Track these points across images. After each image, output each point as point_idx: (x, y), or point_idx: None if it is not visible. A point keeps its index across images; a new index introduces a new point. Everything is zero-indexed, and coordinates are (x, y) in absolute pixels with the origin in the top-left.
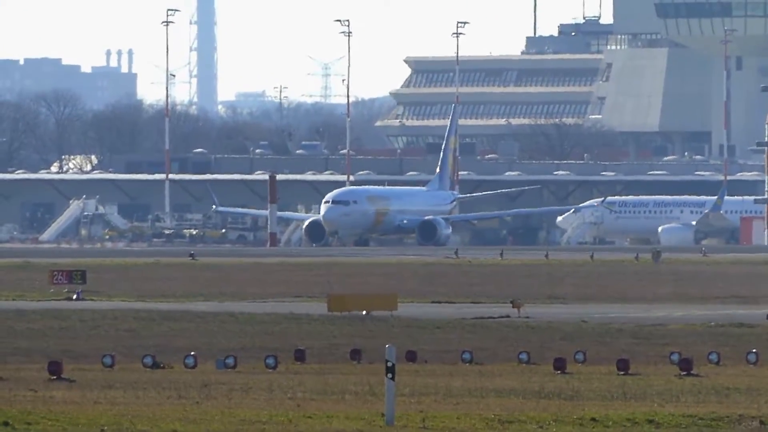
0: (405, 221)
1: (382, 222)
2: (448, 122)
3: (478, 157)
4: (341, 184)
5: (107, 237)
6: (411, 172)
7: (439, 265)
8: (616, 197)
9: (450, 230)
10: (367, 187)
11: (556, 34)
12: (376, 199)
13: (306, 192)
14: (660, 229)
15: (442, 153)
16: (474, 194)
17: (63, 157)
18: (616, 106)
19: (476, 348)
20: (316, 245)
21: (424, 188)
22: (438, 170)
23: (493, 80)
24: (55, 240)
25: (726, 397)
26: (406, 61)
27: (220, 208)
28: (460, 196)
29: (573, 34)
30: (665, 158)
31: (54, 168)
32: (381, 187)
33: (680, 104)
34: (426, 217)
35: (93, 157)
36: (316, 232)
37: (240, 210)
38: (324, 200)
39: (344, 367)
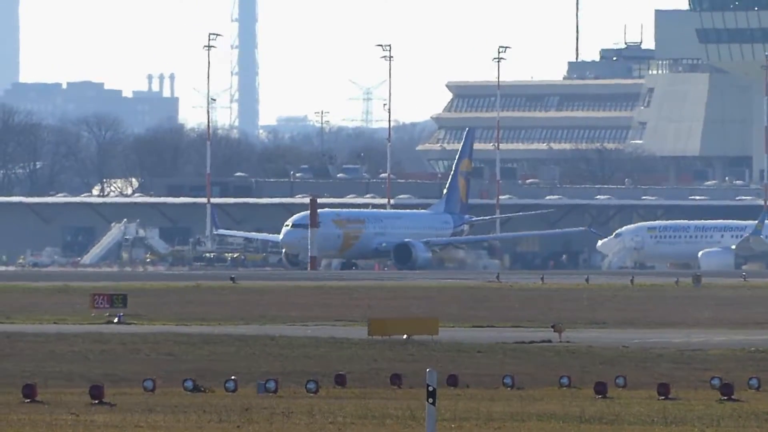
0: (383, 244)
1: (353, 245)
2: (490, 147)
3: (520, 182)
4: (382, 207)
5: (148, 261)
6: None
7: (480, 289)
8: (656, 222)
9: (429, 254)
10: (338, 210)
11: (597, 59)
12: (346, 222)
13: None
14: (700, 253)
15: (450, 176)
16: (484, 218)
17: (104, 180)
18: (657, 130)
19: (517, 372)
20: (293, 268)
21: (425, 211)
22: (445, 192)
23: (534, 105)
24: (96, 264)
25: (766, 422)
26: (447, 86)
27: (221, 231)
28: (474, 219)
29: (614, 59)
30: (706, 183)
31: (95, 191)
32: (355, 210)
33: (721, 129)
34: (404, 240)
35: (134, 180)
36: (294, 256)
37: (241, 233)
38: (285, 223)
39: (385, 391)
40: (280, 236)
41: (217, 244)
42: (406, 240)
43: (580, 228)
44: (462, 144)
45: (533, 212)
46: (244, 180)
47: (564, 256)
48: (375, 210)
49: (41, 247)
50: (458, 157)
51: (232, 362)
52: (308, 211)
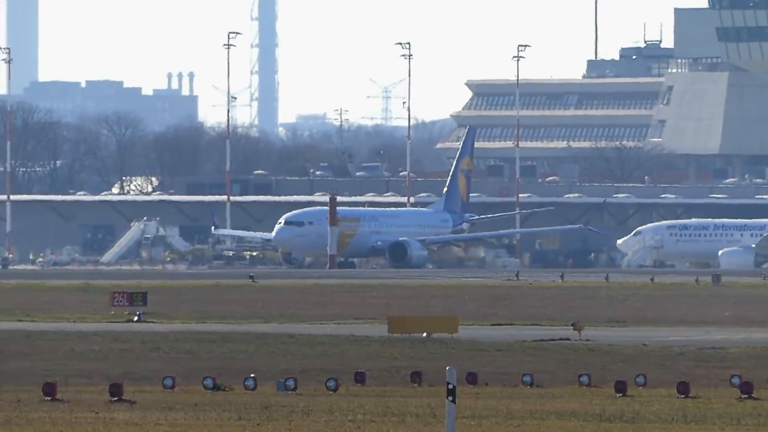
0: (379, 242)
1: (349, 243)
2: (510, 145)
3: (539, 180)
4: (402, 206)
5: (168, 259)
6: (471, 194)
7: (499, 288)
8: (676, 220)
9: (425, 252)
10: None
11: (617, 57)
12: (341, 220)
13: None
14: (720, 252)
15: (450, 174)
16: (486, 216)
17: (124, 178)
18: (677, 129)
19: (537, 370)
20: (288, 266)
21: (424, 209)
22: (445, 190)
23: (554, 103)
24: (116, 262)
25: None
26: (467, 84)
27: (219, 231)
28: (475, 217)
29: (634, 57)
30: (725, 181)
31: (115, 190)
32: (351, 208)
33: (741, 127)
34: (399, 239)
35: (154, 178)
36: (287, 254)
37: (238, 232)
38: (278, 221)
39: (405, 389)
40: (273, 234)
41: (236, 242)
42: (401, 239)
43: (578, 225)
44: (462, 142)
45: (528, 211)
46: (264, 178)
47: (592, 254)
48: (371, 208)
49: (61, 246)
50: (458, 156)
51: (252, 360)
52: (301, 209)
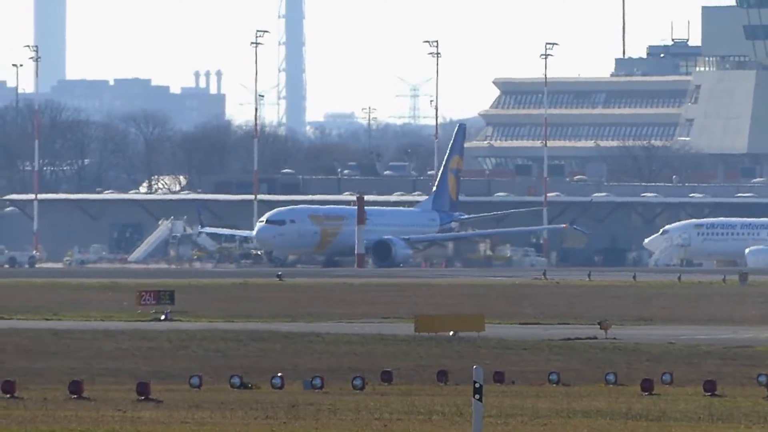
0: (364, 241)
1: (331, 242)
2: (537, 144)
3: (567, 179)
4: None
5: (195, 257)
6: (499, 193)
7: (526, 286)
8: (703, 219)
9: (409, 251)
10: (316, 206)
11: (644, 55)
12: (324, 219)
13: None
14: (747, 251)
15: (440, 172)
16: (473, 216)
17: (152, 177)
18: (705, 127)
19: (563, 369)
20: (271, 265)
21: (412, 208)
22: (434, 189)
23: (581, 102)
24: (143, 260)
25: None
26: (494, 83)
27: (207, 229)
28: (464, 216)
29: (662, 55)
30: (753, 180)
31: (143, 188)
32: (335, 207)
33: None
34: (383, 237)
35: (182, 177)
36: (269, 252)
37: (227, 231)
38: (259, 219)
39: (431, 388)
40: (254, 232)
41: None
42: (385, 237)
43: (561, 225)
44: (452, 141)
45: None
46: (292, 177)
47: (634, 253)
48: (352, 207)
49: (88, 244)
50: (448, 154)
51: (279, 359)
52: (283, 207)
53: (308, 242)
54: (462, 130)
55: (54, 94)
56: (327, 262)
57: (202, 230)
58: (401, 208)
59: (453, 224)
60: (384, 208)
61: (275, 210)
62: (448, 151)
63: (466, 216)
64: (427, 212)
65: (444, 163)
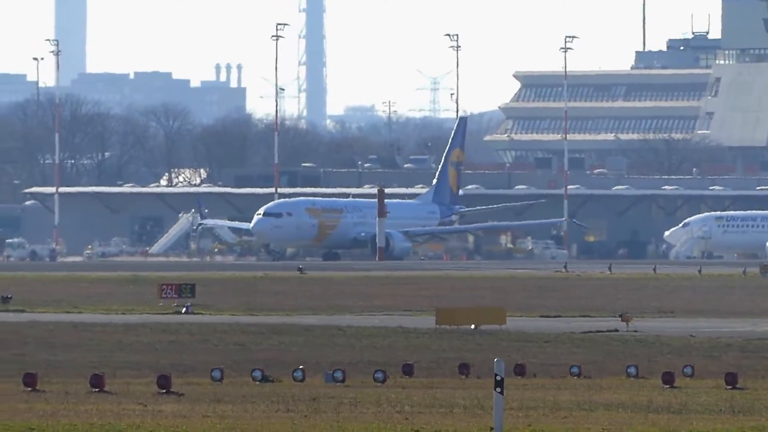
0: (362, 234)
1: (329, 235)
2: (557, 137)
3: (587, 172)
4: (463, 198)
5: (216, 251)
6: (519, 186)
7: (547, 279)
8: (724, 212)
9: (408, 244)
10: (313, 198)
11: (665, 48)
12: (321, 211)
13: None
14: None
15: (440, 165)
16: (477, 208)
17: (172, 170)
18: (725, 120)
19: (584, 362)
20: (270, 259)
21: (411, 201)
22: (434, 182)
23: (601, 95)
24: (164, 253)
25: None
26: (515, 76)
27: (207, 221)
28: (465, 209)
29: (682, 48)
30: None
31: (163, 181)
32: (334, 199)
33: None
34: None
35: (202, 170)
36: (266, 245)
37: (225, 222)
38: (257, 212)
39: (452, 381)
40: (251, 225)
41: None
42: (385, 230)
43: (561, 219)
44: (453, 134)
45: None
46: (312, 170)
47: (665, 246)
48: (356, 200)
49: (109, 238)
50: (449, 147)
51: (300, 352)
52: (280, 200)
53: (306, 235)
54: (463, 123)
55: (74, 87)
56: (326, 254)
57: (201, 222)
58: (400, 200)
59: (453, 217)
60: (374, 200)
61: (272, 203)
62: (448, 144)
63: (467, 209)
64: (427, 205)
65: (445, 155)
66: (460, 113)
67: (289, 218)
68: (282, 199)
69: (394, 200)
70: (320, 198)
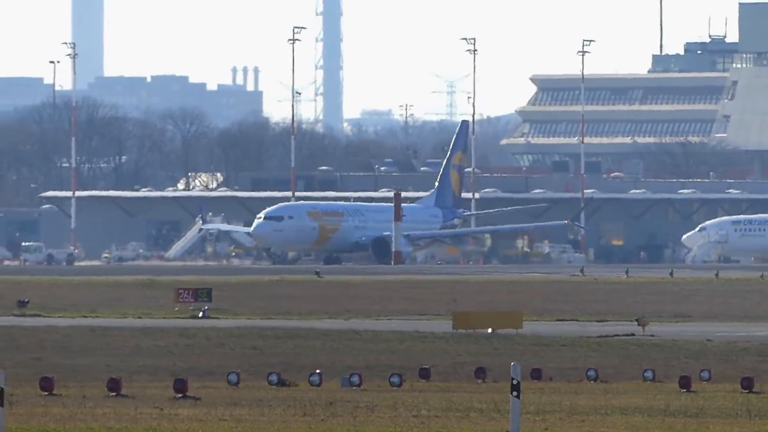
0: (363, 238)
1: (330, 238)
2: (574, 140)
3: (604, 176)
4: (466, 201)
5: (233, 254)
6: (536, 190)
7: (564, 283)
8: (741, 216)
9: (409, 248)
10: (315, 202)
11: (682, 52)
12: (322, 215)
13: None
14: None
15: (442, 168)
16: (476, 212)
17: (189, 174)
18: (742, 124)
19: (601, 366)
20: (275, 263)
21: (414, 205)
22: (436, 185)
23: (618, 98)
24: (180, 257)
25: None
26: (531, 79)
27: (207, 225)
28: (467, 213)
29: (699, 52)
30: None
31: (180, 185)
32: (334, 203)
33: None
34: (382, 234)
35: (219, 174)
36: (266, 249)
37: (226, 226)
38: (257, 216)
39: (469, 385)
40: (251, 229)
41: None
42: (385, 234)
43: (563, 222)
44: (455, 137)
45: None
46: (329, 174)
47: (685, 252)
48: (357, 203)
49: (126, 242)
50: (451, 150)
51: (317, 356)
52: (281, 204)
53: (306, 238)
54: (465, 126)
55: (91, 91)
56: (328, 258)
57: (203, 227)
58: (402, 204)
59: (456, 221)
60: (385, 204)
61: (273, 206)
62: (450, 147)
63: (469, 212)
64: (429, 209)
65: (446, 159)
66: (477, 117)
67: (289, 222)
68: (283, 203)
69: (389, 204)
70: (321, 202)
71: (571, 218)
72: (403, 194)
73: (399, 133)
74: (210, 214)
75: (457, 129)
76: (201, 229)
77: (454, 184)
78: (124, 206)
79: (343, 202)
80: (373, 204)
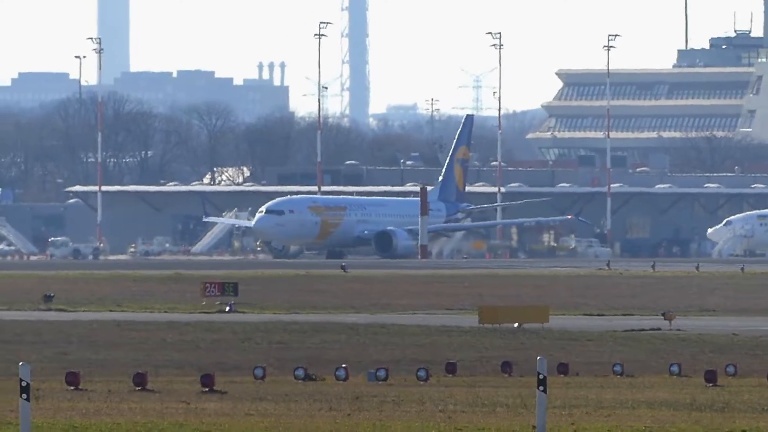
0: (365, 232)
1: (332, 233)
2: (600, 135)
3: (630, 170)
4: (492, 195)
5: (259, 249)
6: (562, 184)
7: (590, 277)
8: (766, 210)
9: (412, 242)
10: (316, 196)
11: (707, 47)
12: (324, 209)
13: None
14: None
15: (446, 162)
16: (481, 206)
17: (215, 169)
18: (767, 118)
19: (627, 360)
20: (276, 257)
21: (417, 198)
22: (440, 180)
23: (644, 93)
24: (207, 252)
25: None
26: (557, 74)
27: (209, 218)
28: (471, 207)
29: (724, 47)
30: None
31: (206, 180)
32: (336, 197)
33: None
34: (385, 228)
35: (245, 169)
36: (267, 243)
37: (228, 220)
38: (259, 210)
39: (495, 379)
40: (252, 223)
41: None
42: (388, 228)
43: (567, 216)
44: (459, 131)
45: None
46: (355, 168)
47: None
48: (359, 197)
49: (152, 236)
50: (455, 144)
51: (343, 350)
52: (283, 198)
53: (308, 232)
54: (469, 120)
55: (117, 86)
56: (330, 253)
57: (206, 219)
58: (405, 198)
59: (459, 215)
60: (388, 198)
61: (275, 200)
62: (455, 141)
63: (473, 206)
64: (432, 203)
65: (451, 153)
66: (503, 111)
67: (291, 216)
68: (285, 197)
69: (398, 198)
70: (323, 196)
71: (575, 213)
72: (404, 188)
73: (425, 127)
74: (236, 209)
75: (462, 123)
76: (204, 222)
77: (457, 178)
78: (150, 201)
79: (346, 196)
80: (376, 198)
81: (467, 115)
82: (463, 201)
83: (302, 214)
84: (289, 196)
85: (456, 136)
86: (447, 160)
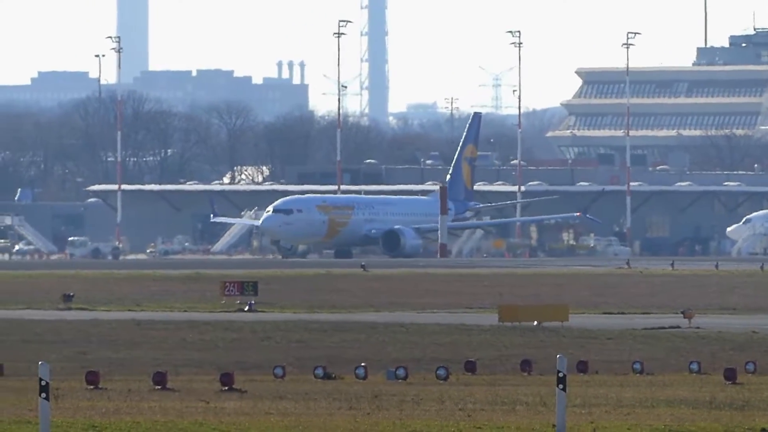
0: (373, 231)
1: (340, 232)
2: (619, 133)
3: (650, 168)
4: (512, 194)
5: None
6: (582, 182)
7: (610, 276)
8: None
9: (419, 241)
10: (324, 195)
11: (726, 45)
12: (332, 208)
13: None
14: None
15: (454, 161)
16: (489, 204)
17: (235, 168)
18: None
19: (647, 358)
20: (284, 257)
21: (424, 197)
22: (448, 178)
23: (664, 91)
24: (226, 251)
25: None
26: (577, 72)
27: (217, 219)
28: (479, 205)
29: (743, 45)
30: None
31: (226, 179)
32: (344, 196)
33: None
34: (393, 227)
35: (265, 168)
36: (276, 242)
37: (235, 220)
38: (266, 209)
39: (515, 378)
40: (260, 222)
41: None
42: (395, 227)
43: (574, 214)
44: (467, 129)
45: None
46: (374, 167)
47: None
48: (366, 196)
49: (172, 235)
50: (462, 143)
51: (363, 349)
52: (290, 197)
53: (316, 232)
54: (477, 119)
55: (137, 85)
56: (338, 252)
57: (214, 219)
58: (413, 197)
59: (467, 213)
60: (395, 197)
61: (282, 199)
62: (462, 140)
63: (481, 205)
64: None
65: (458, 151)
66: (522, 110)
67: (298, 215)
68: (292, 196)
69: (406, 196)
70: (331, 195)
71: (582, 211)
72: (424, 187)
73: (444, 126)
74: (255, 208)
75: (469, 121)
76: (212, 222)
77: (465, 176)
78: (170, 200)
79: (354, 195)
80: (383, 197)
81: (475, 113)
82: (472, 199)
83: (310, 213)
84: (297, 196)
85: (464, 135)
86: (454, 159)
